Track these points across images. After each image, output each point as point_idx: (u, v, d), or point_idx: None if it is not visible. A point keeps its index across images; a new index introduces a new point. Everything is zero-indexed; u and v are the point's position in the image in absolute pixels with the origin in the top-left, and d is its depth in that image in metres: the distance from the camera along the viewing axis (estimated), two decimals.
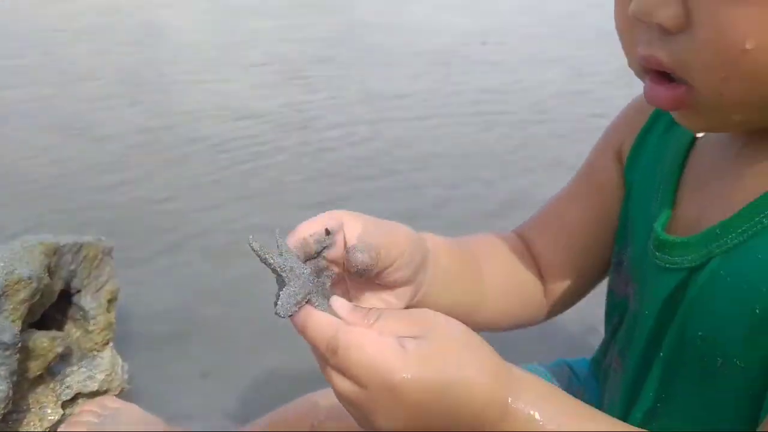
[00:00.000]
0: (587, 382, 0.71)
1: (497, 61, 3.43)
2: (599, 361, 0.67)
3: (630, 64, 0.49)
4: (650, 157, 0.59)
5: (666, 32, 0.42)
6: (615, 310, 0.62)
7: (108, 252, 1.14)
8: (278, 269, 0.43)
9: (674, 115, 0.47)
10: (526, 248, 0.67)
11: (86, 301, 1.08)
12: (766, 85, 0.41)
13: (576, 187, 0.67)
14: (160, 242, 1.63)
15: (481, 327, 0.60)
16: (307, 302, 0.43)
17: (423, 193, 1.98)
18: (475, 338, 0.43)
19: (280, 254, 0.44)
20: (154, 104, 2.75)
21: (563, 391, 0.44)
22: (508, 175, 2.09)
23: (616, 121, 0.65)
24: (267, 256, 0.44)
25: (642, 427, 0.45)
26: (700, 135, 0.55)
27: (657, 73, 0.44)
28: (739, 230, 0.46)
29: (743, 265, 0.45)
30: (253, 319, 1.35)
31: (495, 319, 0.63)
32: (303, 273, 0.44)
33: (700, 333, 0.47)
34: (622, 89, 2.83)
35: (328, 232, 0.45)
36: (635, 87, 0.50)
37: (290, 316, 0.43)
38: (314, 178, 2.07)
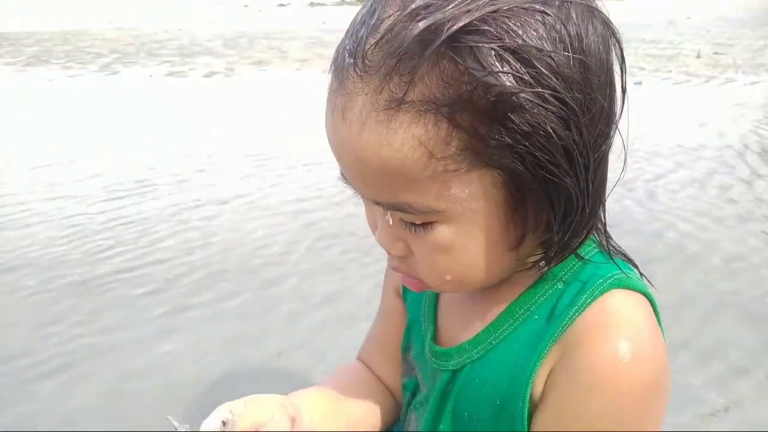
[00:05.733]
0: None
1: (312, 160, 3.74)
2: (404, 423, 0.84)
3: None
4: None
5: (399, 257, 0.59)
6: (408, 387, 0.80)
7: None
8: None
9: None
10: (369, 369, 0.85)
11: None
12: (471, 286, 0.60)
13: (382, 318, 0.86)
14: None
15: None
16: None
17: (261, 296, 2.14)
18: None
19: None
20: None
21: None
22: (330, 270, 2.38)
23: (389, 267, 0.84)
24: None
25: None
26: None
27: None
28: (480, 347, 0.64)
29: (485, 371, 0.63)
30: None
31: (368, 427, 0.81)
32: None
33: (466, 413, 0.65)
34: None
35: (224, 423, 0.57)
36: None
37: None
38: (150, 292, 2.19)
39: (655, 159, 3.63)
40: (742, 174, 3.37)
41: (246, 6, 18.80)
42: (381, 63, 0.48)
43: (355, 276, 2.27)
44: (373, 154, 0.50)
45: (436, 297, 0.73)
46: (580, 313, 0.56)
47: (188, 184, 3.36)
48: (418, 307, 0.76)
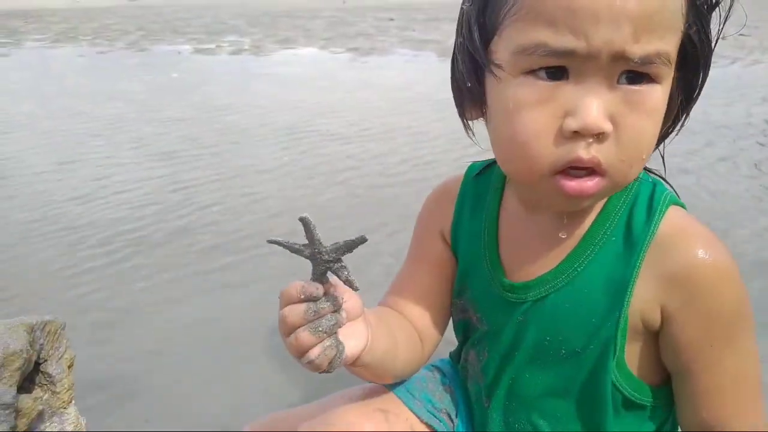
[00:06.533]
0: (453, 376, 0.93)
1: (344, 134, 3.84)
2: (456, 359, 0.92)
3: (536, 168, 0.62)
4: (468, 229, 0.81)
5: (601, 139, 0.59)
6: (460, 327, 0.85)
7: (63, 326, 1.37)
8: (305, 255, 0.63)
9: (570, 201, 0.63)
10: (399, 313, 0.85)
11: (52, 367, 1.31)
12: (637, 171, 0.64)
13: (414, 267, 0.86)
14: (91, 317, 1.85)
15: (396, 374, 0.81)
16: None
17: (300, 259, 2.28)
18: None
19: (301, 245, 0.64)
20: (32, 194, 2.88)
21: None
22: (372, 230, 2.45)
23: (430, 210, 0.86)
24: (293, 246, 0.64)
25: (506, 401, 0.76)
26: (504, 210, 0.78)
27: (581, 172, 0.61)
28: (565, 275, 0.69)
29: (577, 294, 0.68)
30: (181, 372, 1.61)
31: (403, 365, 0.82)
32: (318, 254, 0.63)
33: (547, 338, 0.71)
34: (455, 154, 3.35)
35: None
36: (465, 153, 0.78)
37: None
38: (203, 250, 2.31)
39: (685, 136, 3.65)
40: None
41: None
42: None
43: (400, 236, 2.35)
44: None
45: (496, 237, 0.78)
46: (657, 228, 0.66)
47: (227, 155, 3.45)
48: (475, 250, 0.79)
